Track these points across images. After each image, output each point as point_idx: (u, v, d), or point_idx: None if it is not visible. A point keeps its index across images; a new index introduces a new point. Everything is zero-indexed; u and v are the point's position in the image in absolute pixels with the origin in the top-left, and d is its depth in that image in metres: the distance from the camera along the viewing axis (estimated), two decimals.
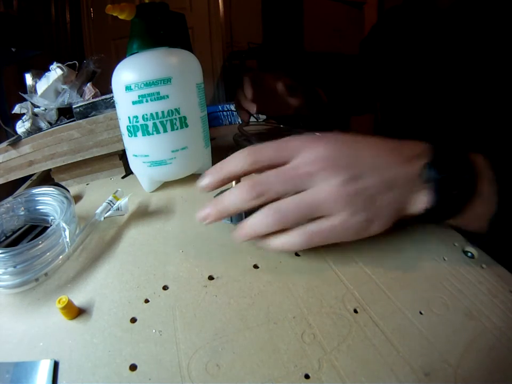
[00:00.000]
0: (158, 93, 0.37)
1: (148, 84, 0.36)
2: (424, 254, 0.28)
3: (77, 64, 0.58)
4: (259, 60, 2.07)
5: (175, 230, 0.34)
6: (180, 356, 0.21)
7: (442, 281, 0.25)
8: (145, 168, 0.41)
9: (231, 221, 0.33)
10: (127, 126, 0.39)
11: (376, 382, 0.19)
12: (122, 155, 0.51)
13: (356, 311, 0.23)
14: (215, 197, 0.36)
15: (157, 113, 0.37)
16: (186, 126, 0.40)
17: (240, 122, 0.67)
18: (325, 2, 2.12)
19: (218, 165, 0.26)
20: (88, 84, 0.55)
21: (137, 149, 0.40)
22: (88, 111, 0.49)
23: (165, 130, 0.38)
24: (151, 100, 0.37)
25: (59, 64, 0.54)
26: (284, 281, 0.26)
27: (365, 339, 0.21)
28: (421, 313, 0.23)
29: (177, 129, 0.39)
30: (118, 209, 0.35)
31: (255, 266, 0.28)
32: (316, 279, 0.26)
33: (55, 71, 0.53)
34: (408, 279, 0.26)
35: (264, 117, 0.82)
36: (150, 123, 0.38)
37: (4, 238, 0.33)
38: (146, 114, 0.37)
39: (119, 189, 0.38)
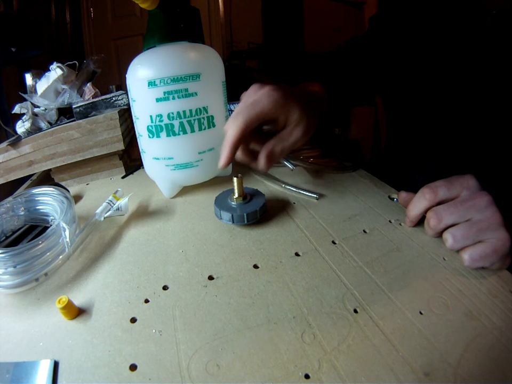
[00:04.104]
0: (187, 90, 0.34)
1: (175, 80, 0.34)
2: (424, 254, 0.29)
3: (77, 64, 0.58)
4: (259, 60, 2.07)
5: (175, 230, 0.34)
6: (180, 356, 0.21)
7: (442, 281, 0.25)
8: (167, 172, 0.38)
9: (233, 221, 0.33)
10: (148, 126, 0.36)
11: (376, 382, 0.19)
12: (122, 155, 0.51)
13: (355, 311, 0.23)
14: (216, 197, 0.36)
15: (184, 111, 0.35)
16: (214, 125, 0.38)
17: None
18: (325, 2, 2.12)
19: (409, 211, 0.32)
20: (88, 84, 0.55)
21: (160, 151, 0.37)
22: (88, 111, 0.49)
23: (192, 130, 0.36)
24: (178, 97, 0.34)
25: (59, 64, 0.54)
26: (284, 281, 0.26)
27: (365, 339, 0.21)
28: (421, 313, 0.23)
29: (204, 129, 0.37)
30: (118, 209, 0.35)
31: (255, 266, 0.28)
32: (316, 279, 0.26)
33: (55, 71, 0.53)
34: (408, 279, 0.26)
35: None
36: (176, 122, 0.35)
37: (4, 238, 0.33)
38: (172, 113, 0.35)
39: (119, 189, 0.38)
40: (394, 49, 0.54)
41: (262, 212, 0.34)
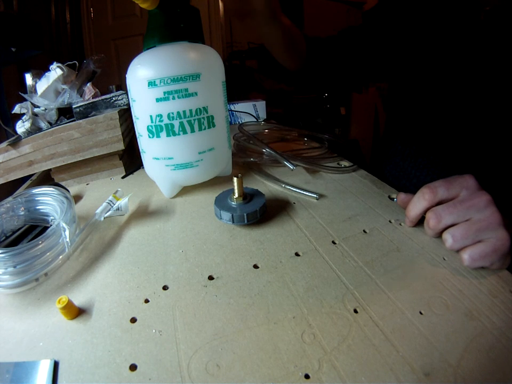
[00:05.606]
0: (187, 90, 0.35)
1: (175, 80, 0.34)
2: (424, 254, 0.29)
3: (77, 64, 0.58)
4: (259, 60, 2.07)
5: (175, 230, 0.34)
6: (180, 356, 0.21)
7: (442, 281, 0.25)
8: (168, 172, 0.38)
9: (233, 221, 0.33)
10: (148, 126, 0.36)
11: (376, 382, 0.19)
12: (122, 155, 0.51)
13: (355, 311, 0.23)
14: (216, 197, 0.36)
15: (184, 111, 0.35)
16: (214, 125, 0.38)
17: (241, 122, 0.67)
18: (325, 2, 2.12)
19: (408, 211, 0.32)
20: (88, 84, 0.55)
21: (160, 151, 0.37)
22: (88, 111, 0.49)
23: (192, 131, 0.36)
24: (178, 97, 0.35)
25: (59, 64, 0.54)
26: (284, 281, 0.26)
27: (365, 339, 0.21)
28: (421, 313, 0.23)
29: (204, 129, 0.37)
30: (118, 209, 0.35)
31: (255, 266, 0.28)
32: (316, 279, 0.26)
33: (55, 71, 0.53)
34: (408, 279, 0.26)
35: (264, 117, 0.82)
36: (176, 122, 0.36)
37: (4, 238, 0.33)
38: (173, 113, 0.35)
39: (119, 189, 0.38)
40: (387, 41, 0.55)
41: (262, 212, 0.34)
